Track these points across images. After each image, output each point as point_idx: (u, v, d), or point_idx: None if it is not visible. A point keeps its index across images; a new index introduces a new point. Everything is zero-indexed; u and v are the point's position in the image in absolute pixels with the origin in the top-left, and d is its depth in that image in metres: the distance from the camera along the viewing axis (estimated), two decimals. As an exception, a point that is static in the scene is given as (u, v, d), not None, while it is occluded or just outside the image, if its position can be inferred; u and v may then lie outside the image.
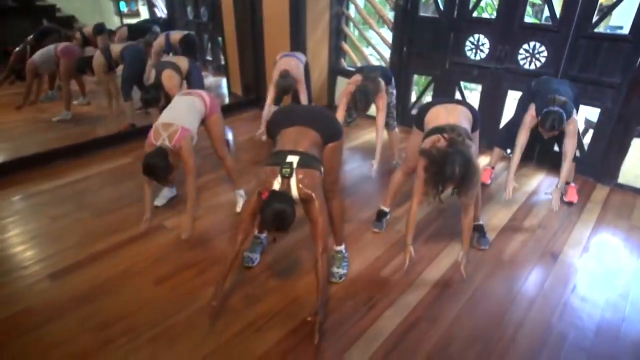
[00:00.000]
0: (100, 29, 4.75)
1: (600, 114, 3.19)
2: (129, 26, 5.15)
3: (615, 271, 2.37)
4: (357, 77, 2.92)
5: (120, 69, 4.04)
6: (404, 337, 1.90)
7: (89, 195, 3.03)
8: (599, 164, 3.26)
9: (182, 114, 2.45)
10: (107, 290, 2.14)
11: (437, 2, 3.70)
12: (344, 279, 2.23)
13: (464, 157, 1.83)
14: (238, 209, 2.81)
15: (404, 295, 2.14)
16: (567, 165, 2.63)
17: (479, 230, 2.55)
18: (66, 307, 2.02)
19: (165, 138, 2.32)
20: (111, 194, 3.05)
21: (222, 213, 2.84)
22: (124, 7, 5.52)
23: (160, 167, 2.26)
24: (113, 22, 5.42)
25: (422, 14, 3.89)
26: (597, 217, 2.86)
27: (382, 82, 2.92)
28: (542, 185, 3.29)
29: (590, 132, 3.43)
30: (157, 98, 2.99)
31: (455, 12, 3.60)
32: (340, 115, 2.98)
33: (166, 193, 2.93)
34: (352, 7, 4.48)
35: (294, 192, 1.75)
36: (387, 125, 3.22)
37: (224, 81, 5.49)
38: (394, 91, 3.18)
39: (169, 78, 3.08)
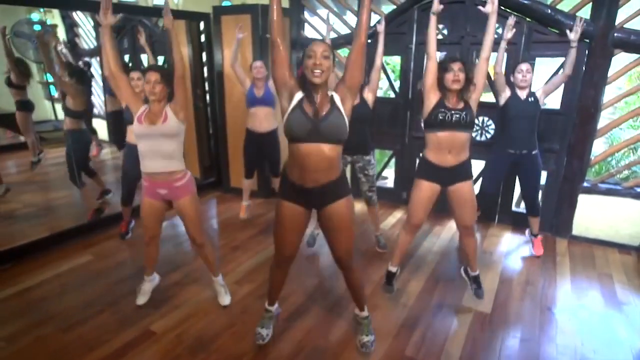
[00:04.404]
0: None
1: (548, 175, 3.63)
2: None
3: (604, 316, 2.56)
4: None
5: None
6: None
7: (49, 305, 2.57)
8: (554, 219, 3.63)
9: None
10: None
11: (393, 85, 4.09)
12: (374, 345, 2.19)
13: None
14: (221, 302, 2.57)
15: (437, 374, 2.07)
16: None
17: (476, 281, 2.63)
18: None
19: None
20: (76, 300, 2.62)
21: (215, 308, 2.57)
22: (54, 92, 5.27)
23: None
24: (44, 106, 5.14)
25: (378, 95, 4.24)
26: (569, 269, 3.12)
27: None
28: (512, 242, 3.55)
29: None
30: None
31: (410, 94, 4.00)
32: None
33: (147, 286, 2.59)
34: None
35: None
36: (369, 200, 3.28)
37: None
38: (374, 160, 3.23)
39: None
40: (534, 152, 3.10)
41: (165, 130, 2.22)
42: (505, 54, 3.32)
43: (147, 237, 2.47)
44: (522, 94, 3.03)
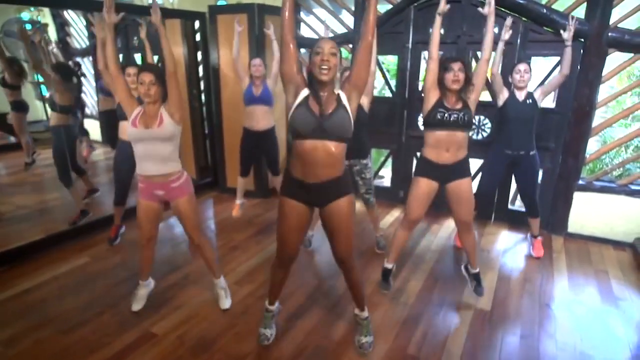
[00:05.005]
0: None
1: (544, 173, 3.66)
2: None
3: (602, 312, 2.60)
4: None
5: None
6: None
7: (48, 307, 2.55)
8: (549, 217, 3.67)
9: None
10: None
11: (389, 84, 4.10)
12: (373, 346, 2.20)
13: None
14: (222, 306, 2.53)
15: (439, 372, 2.08)
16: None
17: (477, 278, 2.66)
18: None
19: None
20: (75, 302, 2.60)
21: (216, 309, 2.56)
22: (45, 92, 5.22)
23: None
24: (35, 107, 5.08)
25: (375, 94, 4.25)
26: (566, 265, 3.16)
27: None
28: (509, 240, 3.58)
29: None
30: None
31: (407, 93, 4.01)
32: None
33: (142, 292, 2.55)
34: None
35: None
36: (367, 202, 3.26)
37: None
38: (370, 163, 3.26)
39: None
40: (531, 153, 3.11)
41: (161, 134, 2.18)
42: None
43: (144, 239, 2.41)
44: (520, 95, 3.03)
